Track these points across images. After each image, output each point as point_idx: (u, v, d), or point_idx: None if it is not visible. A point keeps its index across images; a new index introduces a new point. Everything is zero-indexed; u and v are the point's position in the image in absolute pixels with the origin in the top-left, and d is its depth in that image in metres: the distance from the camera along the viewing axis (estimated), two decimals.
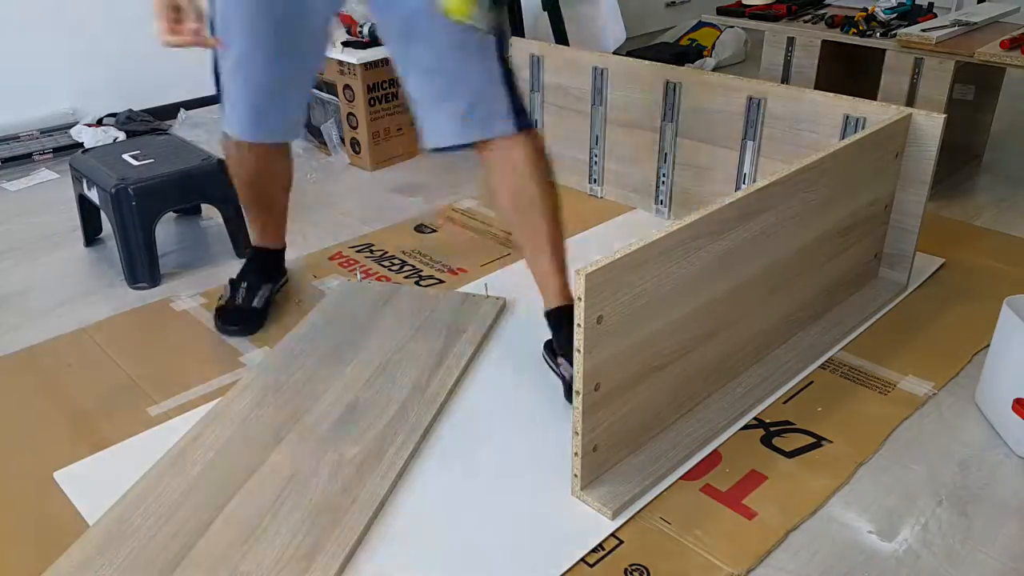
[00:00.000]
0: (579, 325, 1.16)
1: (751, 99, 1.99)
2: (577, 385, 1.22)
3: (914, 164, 1.77)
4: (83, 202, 2.17)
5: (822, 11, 2.72)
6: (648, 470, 1.35)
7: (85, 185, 2.09)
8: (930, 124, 1.72)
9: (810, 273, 1.66)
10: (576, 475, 1.31)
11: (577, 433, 1.26)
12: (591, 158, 2.42)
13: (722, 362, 1.52)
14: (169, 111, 3.14)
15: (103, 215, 2.16)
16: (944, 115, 1.71)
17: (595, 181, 2.45)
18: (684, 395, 1.46)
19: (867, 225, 1.78)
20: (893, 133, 1.71)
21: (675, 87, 2.13)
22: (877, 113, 1.77)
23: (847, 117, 1.83)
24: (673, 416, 1.45)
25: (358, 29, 2.68)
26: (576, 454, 1.28)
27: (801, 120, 1.92)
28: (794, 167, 1.48)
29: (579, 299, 1.14)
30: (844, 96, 1.85)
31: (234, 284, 1.84)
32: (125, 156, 2.10)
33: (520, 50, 2.48)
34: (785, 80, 2.60)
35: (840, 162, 1.58)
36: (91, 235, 2.24)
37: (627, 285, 1.21)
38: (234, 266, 2.11)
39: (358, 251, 2.16)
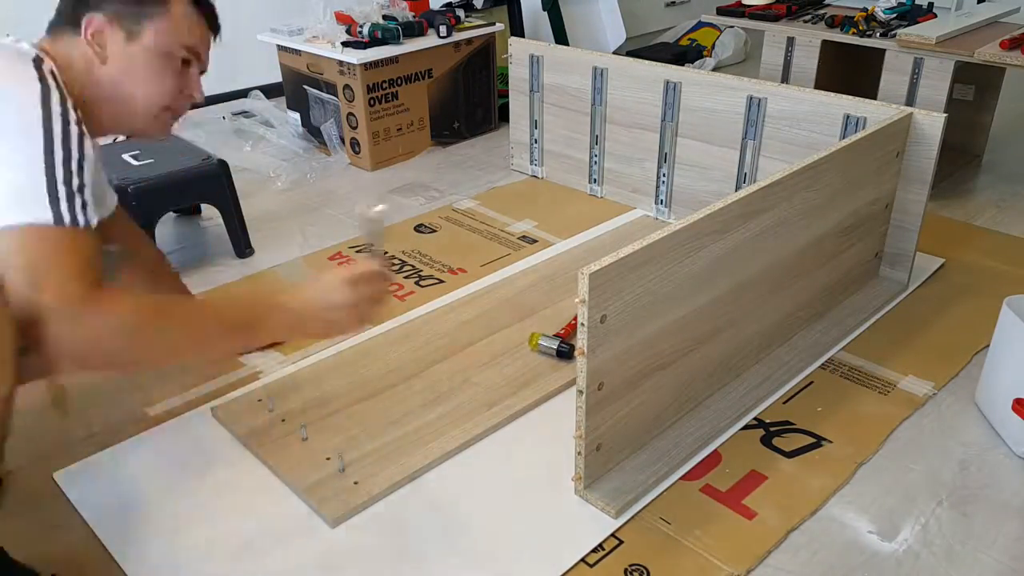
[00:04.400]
0: (583, 325, 1.16)
1: (751, 99, 1.99)
2: (580, 384, 1.22)
3: (915, 163, 1.77)
4: None
5: (822, 11, 2.73)
6: (651, 469, 1.35)
7: None
8: (931, 123, 1.73)
9: (811, 272, 1.66)
10: (579, 475, 1.31)
11: (580, 433, 1.26)
12: (591, 158, 2.42)
13: (724, 361, 1.52)
14: None
15: None
16: (945, 115, 1.71)
17: (595, 181, 2.45)
18: (686, 394, 1.46)
19: (868, 224, 1.78)
20: (894, 132, 1.71)
21: (675, 87, 2.13)
22: (878, 112, 1.77)
23: (847, 117, 1.83)
24: (675, 415, 1.45)
25: (358, 29, 2.68)
26: (579, 453, 1.28)
27: (801, 120, 1.92)
28: (795, 166, 1.48)
29: (583, 299, 1.14)
30: (845, 96, 1.85)
31: None
32: (125, 156, 2.10)
33: (520, 50, 2.48)
34: (785, 80, 2.60)
35: (841, 161, 1.58)
36: None
37: (630, 284, 1.21)
38: (234, 266, 2.11)
39: (358, 251, 2.16)
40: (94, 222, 0.98)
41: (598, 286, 1.15)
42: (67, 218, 0.95)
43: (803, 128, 1.92)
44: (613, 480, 1.33)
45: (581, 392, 1.22)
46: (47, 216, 0.94)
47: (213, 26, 1.18)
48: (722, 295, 1.42)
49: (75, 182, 0.96)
